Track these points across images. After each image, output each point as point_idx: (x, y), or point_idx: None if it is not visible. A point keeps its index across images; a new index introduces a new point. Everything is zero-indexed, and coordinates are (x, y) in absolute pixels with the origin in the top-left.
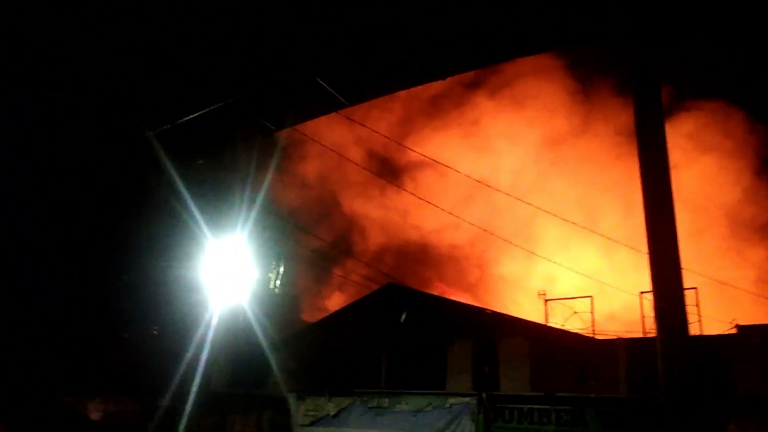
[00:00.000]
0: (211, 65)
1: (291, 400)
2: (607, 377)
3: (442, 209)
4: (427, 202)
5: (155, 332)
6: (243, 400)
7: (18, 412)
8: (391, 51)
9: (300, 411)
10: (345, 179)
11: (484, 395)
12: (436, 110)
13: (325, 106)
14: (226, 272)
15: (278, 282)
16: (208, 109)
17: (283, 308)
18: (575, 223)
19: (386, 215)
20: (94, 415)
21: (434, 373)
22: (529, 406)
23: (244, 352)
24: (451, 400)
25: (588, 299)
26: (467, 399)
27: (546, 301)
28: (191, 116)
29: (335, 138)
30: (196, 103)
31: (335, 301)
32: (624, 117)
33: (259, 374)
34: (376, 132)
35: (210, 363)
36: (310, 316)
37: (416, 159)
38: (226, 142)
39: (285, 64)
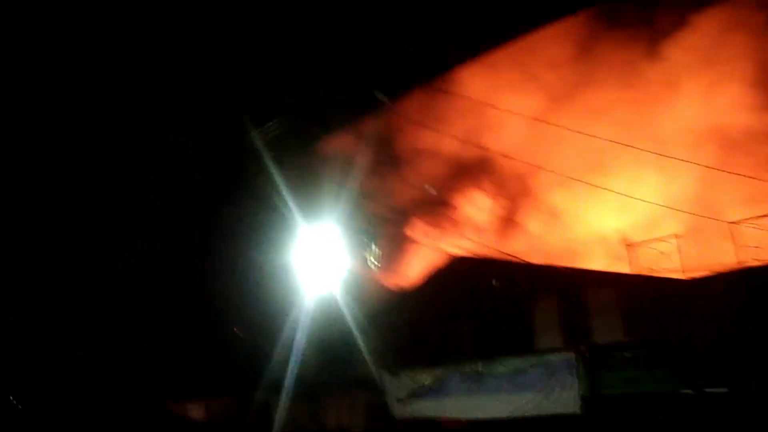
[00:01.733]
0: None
1: (384, 376)
2: (707, 316)
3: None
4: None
5: (238, 332)
6: (334, 385)
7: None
8: None
9: (394, 386)
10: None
11: (582, 347)
12: None
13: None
14: (319, 259)
15: (374, 260)
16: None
17: (371, 288)
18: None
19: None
20: (198, 417)
21: (522, 334)
22: (634, 353)
23: (329, 337)
24: (549, 357)
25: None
26: (567, 354)
27: (628, 245)
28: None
29: None
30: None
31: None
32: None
33: (346, 356)
34: None
35: (298, 354)
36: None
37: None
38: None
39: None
